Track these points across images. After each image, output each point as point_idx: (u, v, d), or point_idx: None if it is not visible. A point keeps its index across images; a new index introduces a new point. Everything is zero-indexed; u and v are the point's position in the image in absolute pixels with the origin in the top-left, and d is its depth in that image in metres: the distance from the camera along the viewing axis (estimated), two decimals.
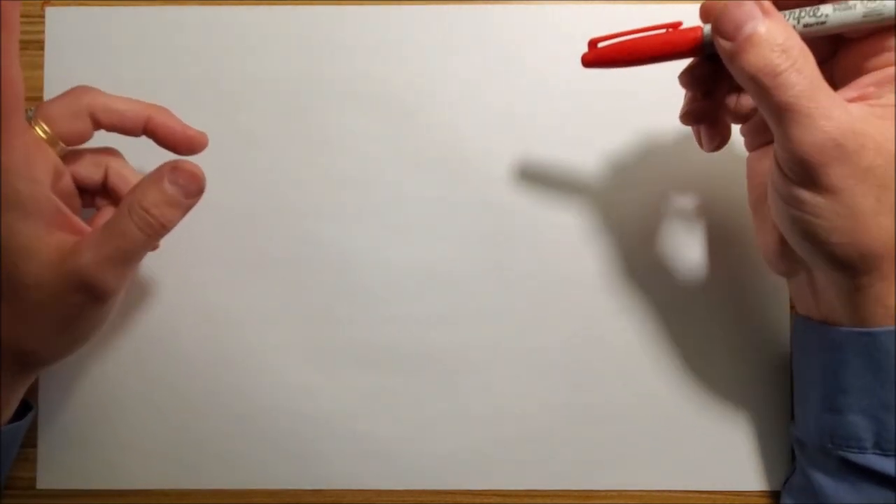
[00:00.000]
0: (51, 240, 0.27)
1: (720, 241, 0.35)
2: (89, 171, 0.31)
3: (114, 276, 0.27)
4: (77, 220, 0.29)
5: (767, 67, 0.24)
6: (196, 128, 0.34)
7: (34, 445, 0.34)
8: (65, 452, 0.34)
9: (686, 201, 0.35)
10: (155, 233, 0.28)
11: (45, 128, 0.29)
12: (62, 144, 0.30)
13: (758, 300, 0.35)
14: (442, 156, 0.35)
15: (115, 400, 0.35)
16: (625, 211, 0.35)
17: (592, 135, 0.35)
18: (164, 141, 0.31)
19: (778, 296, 0.35)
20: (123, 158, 0.32)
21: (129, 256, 0.28)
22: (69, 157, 0.31)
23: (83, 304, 0.28)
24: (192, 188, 0.28)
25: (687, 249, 0.35)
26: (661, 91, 0.35)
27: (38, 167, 0.27)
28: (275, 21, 0.35)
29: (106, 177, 0.31)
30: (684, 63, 0.29)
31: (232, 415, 0.35)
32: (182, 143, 0.31)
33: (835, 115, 0.24)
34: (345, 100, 0.35)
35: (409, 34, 0.35)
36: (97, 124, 0.30)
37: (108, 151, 0.32)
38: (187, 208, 0.29)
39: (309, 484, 0.35)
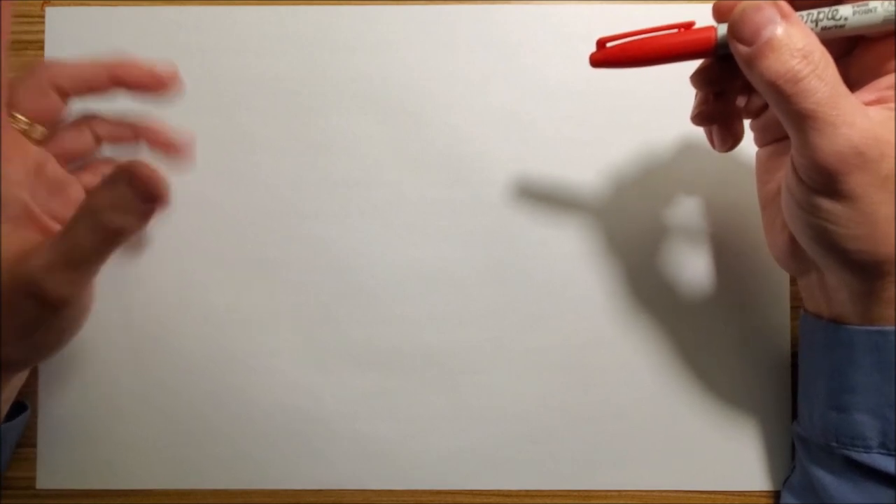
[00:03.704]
0: (14, 239, 0.26)
1: (721, 240, 0.35)
2: (74, 139, 0.30)
3: (64, 282, 0.25)
4: (47, 221, 0.28)
5: (788, 74, 0.23)
6: (196, 128, 0.34)
7: (34, 445, 0.34)
8: (65, 452, 0.34)
9: (687, 202, 0.35)
10: (108, 239, 0.25)
11: (21, 117, 0.28)
12: (40, 128, 0.29)
13: (758, 300, 0.35)
14: (442, 156, 0.35)
15: (115, 400, 0.35)
16: (625, 211, 0.35)
17: (593, 135, 0.35)
18: (133, 85, 0.30)
19: (778, 296, 0.35)
20: (101, 114, 0.32)
21: (80, 262, 0.25)
22: (50, 142, 0.30)
23: (37, 312, 0.26)
24: (150, 192, 0.25)
25: (687, 249, 0.35)
26: (661, 91, 0.35)
27: (12, 166, 0.27)
28: (275, 21, 0.35)
29: (96, 133, 0.31)
30: (692, 63, 0.28)
31: (232, 415, 0.35)
32: (149, 82, 0.30)
33: (857, 122, 0.23)
34: (345, 100, 0.35)
35: (409, 34, 0.35)
36: (65, 94, 0.29)
37: (84, 114, 0.31)
38: (146, 214, 0.26)
39: (309, 484, 0.35)
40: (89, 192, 0.26)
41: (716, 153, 0.31)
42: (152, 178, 0.25)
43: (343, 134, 0.35)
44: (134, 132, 0.32)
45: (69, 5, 0.35)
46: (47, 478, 0.34)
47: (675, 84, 0.34)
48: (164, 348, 0.35)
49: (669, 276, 0.35)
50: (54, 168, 0.30)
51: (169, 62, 0.31)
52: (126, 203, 0.25)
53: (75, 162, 0.31)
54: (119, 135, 0.32)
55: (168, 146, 0.33)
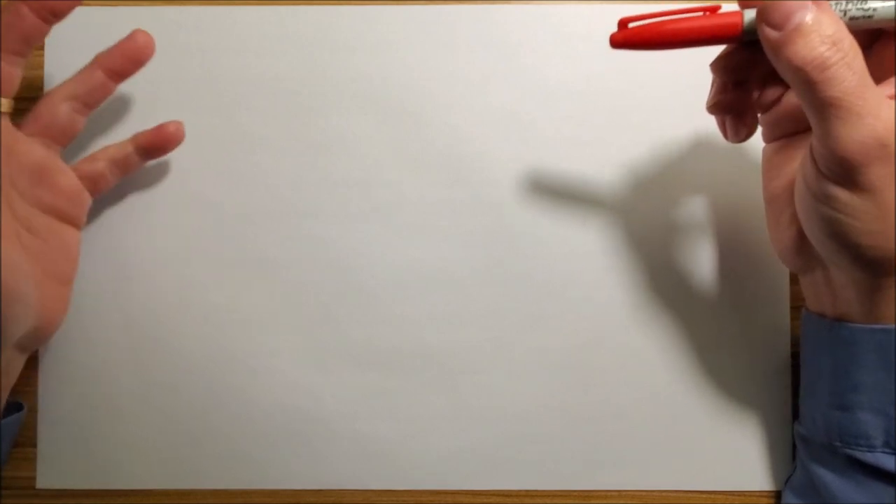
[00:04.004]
0: None
1: (721, 240, 0.35)
2: (49, 113, 0.31)
3: None
4: (18, 228, 0.29)
5: (817, 60, 0.23)
6: (196, 128, 0.34)
7: (34, 445, 0.34)
8: (65, 452, 0.34)
9: (687, 201, 0.35)
10: None
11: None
12: (5, 100, 0.29)
13: (758, 300, 0.35)
14: (442, 156, 0.35)
15: (116, 400, 0.35)
16: (625, 210, 0.35)
17: (593, 135, 0.35)
18: (121, 64, 0.31)
19: (778, 295, 0.35)
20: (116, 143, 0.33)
21: None
22: (28, 122, 0.31)
23: None
24: None
25: (687, 249, 0.35)
26: (661, 90, 0.35)
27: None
28: (275, 21, 0.35)
29: (75, 100, 0.31)
30: (694, 62, 0.28)
31: (232, 415, 0.35)
32: (131, 52, 0.31)
33: (882, 114, 0.23)
34: (345, 100, 0.35)
35: (409, 34, 0.35)
36: (80, 102, 0.31)
37: (102, 150, 0.33)
38: None
39: (309, 484, 0.35)
40: None
41: (716, 154, 0.31)
42: None
43: (343, 134, 0.35)
44: (101, 82, 0.31)
45: None
46: (47, 477, 0.34)
47: (676, 83, 0.35)
48: (164, 348, 0.35)
49: (670, 275, 0.35)
50: (30, 149, 0.30)
51: (140, 30, 0.31)
52: None
53: (62, 142, 0.31)
54: (95, 96, 0.31)
55: (158, 134, 0.33)
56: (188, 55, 0.35)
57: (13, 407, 0.33)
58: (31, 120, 0.31)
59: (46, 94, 0.31)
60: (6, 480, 0.34)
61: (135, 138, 0.33)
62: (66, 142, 0.31)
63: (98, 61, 0.31)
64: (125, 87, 0.32)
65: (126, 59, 0.31)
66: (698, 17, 0.26)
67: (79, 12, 0.35)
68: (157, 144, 0.33)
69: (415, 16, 0.35)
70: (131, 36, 0.31)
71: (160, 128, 0.33)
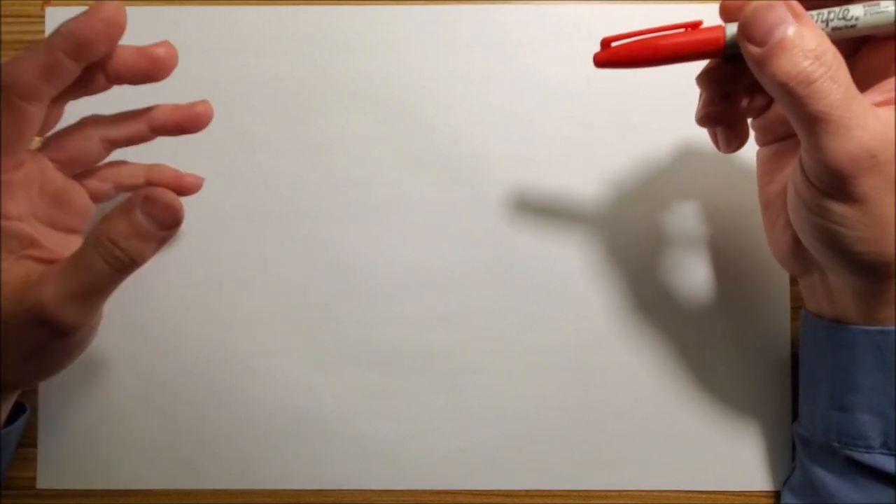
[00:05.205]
0: (18, 270, 0.26)
1: (721, 240, 0.35)
2: (79, 146, 0.29)
3: (76, 311, 0.26)
4: (52, 249, 0.28)
5: (801, 75, 0.23)
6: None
7: (34, 445, 0.35)
8: (65, 452, 0.35)
9: (687, 202, 0.35)
10: (124, 267, 0.26)
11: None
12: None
13: (758, 300, 0.35)
14: (442, 156, 0.35)
15: (116, 400, 0.35)
16: (625, 212, 0.35)
17: (593, 135, 0.35)
18: (173, 123, 0.29)
19: (778, 296, 0.35)
20: (129, 163, 0.32)
21: (93, 291, 0.26)
22: (53, 148, 0.29)
23: (47, 338, 0.26)
24: (167, 220, 0.26)
25: (687, 249, 0.35)
26: (661, 91, 0.35)
27: (14, 201, 0.27)
28: (275, 21, 0.35)
29: (104, 137, 0.30)
30: (695, 63, 0.28)
31: (232, 415, 0.35)
32: (187, 119, 0.29)
33: (869, 124, 0.23)
34: (345, 100, 0.35)
35: (409, 34, 0.35)
36: (115, 144, 0.29)
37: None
38: (162, 241, 0.26)
39: (309, 484, 0.35)
40: (103, 220, 0.26)
41: (716, 154, 0.31)
42: (169, 204, 0.26)
43: (343, 134, 0.35)
44: (142, 133, 0.30)
45: (69, 5, 0.35)
46: (48, 477, 0.34)
47: (676, 84, 0.34)
48: (164, 348, 0.35)
49: (670, 276, 0.35)
50: (54, 177, 0.29)
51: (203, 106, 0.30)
52: (142, 231, 0.26)
53: (81, 168, 0.30)
54: (128, 136, 0.30)
55: (177, 188, 0.32)
56: (188, 55, 0.35)
57: (15, 408, 0.33)
58: (58, 147, 0.29)
59: (81, 124, 0.29)
60: (7, 480, 0.34)
61: (148, 177, 0.32)
62: (85, 168, 0.30)
63: (148, 118, 0.29)
64: (125, 87, 0.32)
65: (179, 126, 0.29)
66: (680, 33, 0.26)
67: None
68: (172, 187, 0.31)
69: (415, 16, 0.35)
70: (191, 107, 0.29)
71: (178, 175, 0.32)
